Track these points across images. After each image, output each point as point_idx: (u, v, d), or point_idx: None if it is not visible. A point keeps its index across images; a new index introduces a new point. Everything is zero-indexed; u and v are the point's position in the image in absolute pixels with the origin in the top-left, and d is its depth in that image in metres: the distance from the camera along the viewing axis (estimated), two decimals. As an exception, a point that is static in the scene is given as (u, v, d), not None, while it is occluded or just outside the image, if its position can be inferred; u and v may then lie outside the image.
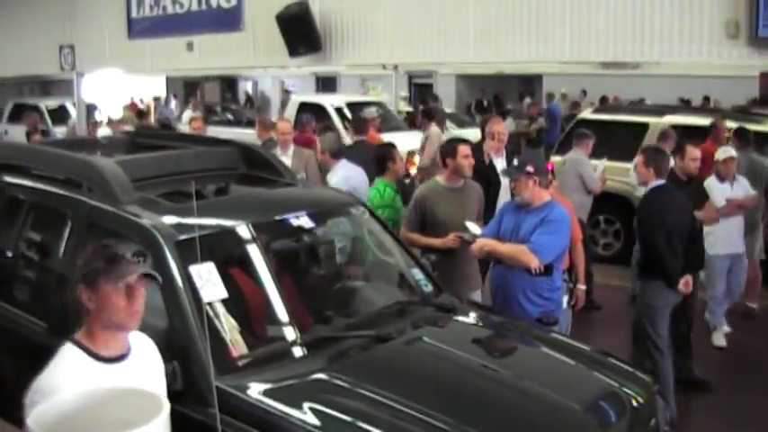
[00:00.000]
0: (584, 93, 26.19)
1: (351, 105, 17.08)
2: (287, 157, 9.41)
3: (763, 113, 12.75)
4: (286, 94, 30.68)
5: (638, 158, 7.44)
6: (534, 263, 5.90)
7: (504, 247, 6.10)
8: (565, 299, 6.59)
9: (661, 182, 7.03)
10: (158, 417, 2.69)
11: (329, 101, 18.19)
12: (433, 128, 13.59)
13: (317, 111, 17.37)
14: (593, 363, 5.06)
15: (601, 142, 10.48)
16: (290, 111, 18.10)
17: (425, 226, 6.89)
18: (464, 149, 7.06)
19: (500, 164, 8.27)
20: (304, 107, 17.85)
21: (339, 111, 16.98)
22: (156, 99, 31.65)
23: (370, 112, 14.89)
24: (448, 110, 21.04)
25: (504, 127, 8.86)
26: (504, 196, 7.72)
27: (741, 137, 10.13)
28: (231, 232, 5.10)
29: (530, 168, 6.06)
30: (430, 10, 12.58)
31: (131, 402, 2.84)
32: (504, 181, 7.56)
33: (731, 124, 10.96)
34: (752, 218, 9.27)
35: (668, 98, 19.81)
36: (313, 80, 34.82)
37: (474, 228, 6.53)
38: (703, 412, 7.34)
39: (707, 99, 22.75)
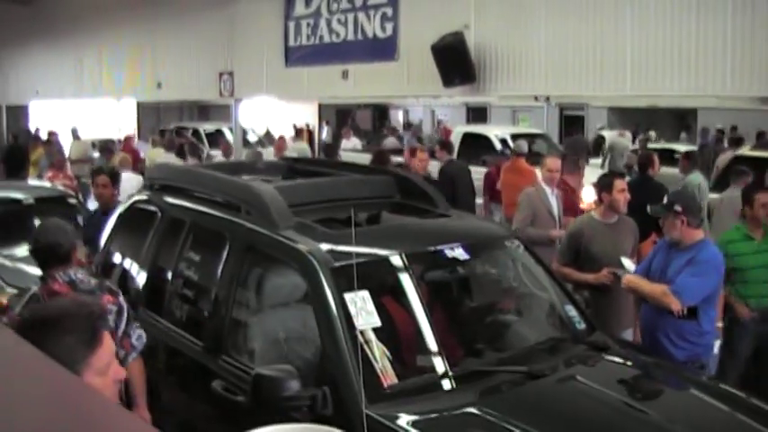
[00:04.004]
0: (735, 128, 25.28)
1: (514, 136, 16.99)
2: (553, 197, 8.71)
3: None
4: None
5: None
6: (675, 305, 5.73)
7: (648, 287, 5.96)
8: (717, 343, 6.34)
9: None
10: None
11: (494, 132, 18.12)
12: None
13: (482, 141, 17.42)
14: (749, 411, 4.84)
15: (759, 180, 10.10)
16: (454, 141, 18.14)
17: (579, 260, 6.79)
18: (620, 184, 6.99)
19: None
20: (468, 137, 17.90)
21: (503, 141, 16.87)
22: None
23: (520, 145, 14.81)
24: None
25: None
26: None
27: None
28: (385, 261, 5.11)
29: (678, 208, 5.89)
30: (585, 41, 12.41)
31: None
32: None
33: None
34: None
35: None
36: (464, 110, 34.90)
37: (629, 264, 6.41)
38: None
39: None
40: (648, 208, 6.33)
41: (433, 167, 12.05)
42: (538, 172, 13.38)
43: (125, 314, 4.70)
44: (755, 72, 10.75)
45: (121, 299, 4.74)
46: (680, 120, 29.68)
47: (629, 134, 25.74)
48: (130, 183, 12.64)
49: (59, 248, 4.67)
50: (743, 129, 24.49)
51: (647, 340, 6.09)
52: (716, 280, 5.93)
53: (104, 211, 8.06)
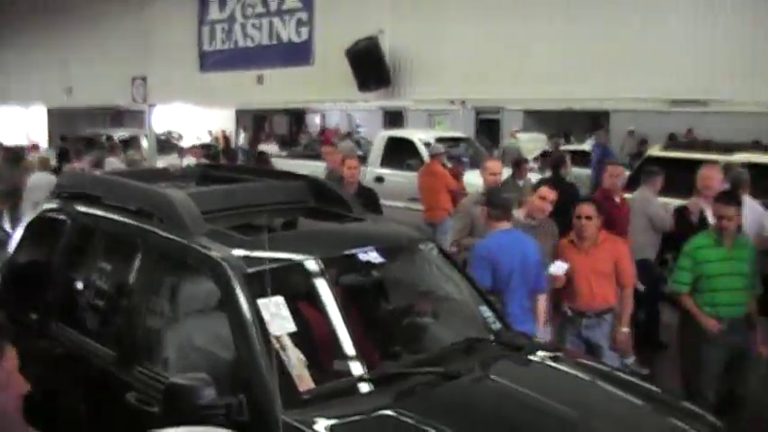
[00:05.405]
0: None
1: (439, 141, 17.08)
2: None
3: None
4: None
5: None
6: None
7: None
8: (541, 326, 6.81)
9: None
10: None
11: (418, 136, 18.28)
12: None
13: (405, 145, 17.66)
14: (662, 404, 4.98)
15: (670, 180, 10.31)
16: (378, 145, 18.36)
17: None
18: (543, 192, 7.31)
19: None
20: (392, 141, 18.07)
21: (428, 145, 16.91)
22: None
23: (437, 147, 14.92)
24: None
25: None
26: None
27: None
28: (300, 266, 5.10)
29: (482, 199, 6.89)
30: (500, 46, 12.46)
31: None
32: None
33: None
34: None
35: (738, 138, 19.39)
36: (380, 114, 34.98)
37: (556, 268, 6.90)
38: None
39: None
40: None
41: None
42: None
43: None
44: (666, 75, 10.84)
45: None
46: (595, 122, 30.11)
47: (542, 136, 26.11)
48: (39, 183, 12.63)
49: None
50: (655, 131, 25.04)
51: None
52: (480, 268, 6.54)
53: None
